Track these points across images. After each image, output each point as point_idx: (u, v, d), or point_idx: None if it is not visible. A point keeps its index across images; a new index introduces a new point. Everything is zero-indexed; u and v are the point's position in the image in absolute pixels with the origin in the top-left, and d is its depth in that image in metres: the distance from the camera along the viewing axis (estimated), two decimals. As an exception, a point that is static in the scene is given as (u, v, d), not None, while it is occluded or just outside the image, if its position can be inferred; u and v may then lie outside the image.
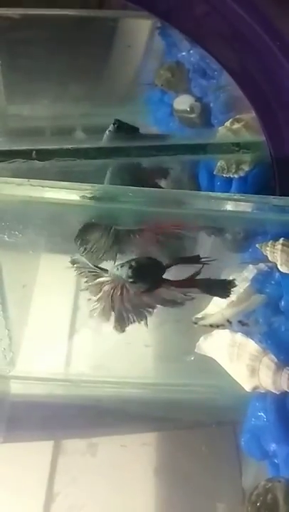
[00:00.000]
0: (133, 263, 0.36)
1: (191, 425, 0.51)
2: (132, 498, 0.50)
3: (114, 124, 0.43)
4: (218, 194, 0.40)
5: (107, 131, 0.43)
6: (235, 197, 0.38)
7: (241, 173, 0.43)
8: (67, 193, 0.35)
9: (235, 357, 0.40)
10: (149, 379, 0.51)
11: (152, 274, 0.37)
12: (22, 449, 0.51)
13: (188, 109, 0.52)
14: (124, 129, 0.43)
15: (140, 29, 0.60)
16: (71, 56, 0.58)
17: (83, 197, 0.36)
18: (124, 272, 0.36)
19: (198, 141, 0.43)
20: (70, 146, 0.40)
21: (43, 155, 0.39)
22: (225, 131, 0.44)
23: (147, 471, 0.52)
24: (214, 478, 0.51)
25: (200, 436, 0.53)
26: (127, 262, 0.37)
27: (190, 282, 0.38)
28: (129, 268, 0.36)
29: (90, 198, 0.35)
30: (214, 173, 0.47)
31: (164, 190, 0.42)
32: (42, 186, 0.35)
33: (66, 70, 0.58)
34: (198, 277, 0.39)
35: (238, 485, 0.49)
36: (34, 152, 0.39)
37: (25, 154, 0.38)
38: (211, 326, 0.42)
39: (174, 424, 0.52)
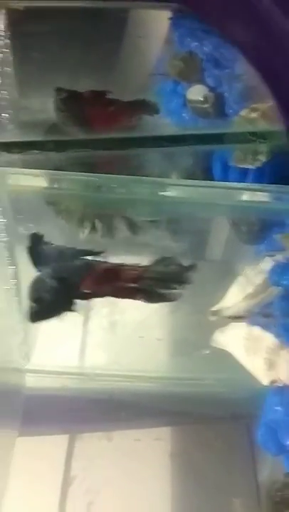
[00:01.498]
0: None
1: (205, 419, 0.51)
2: (146, 492, 0.50)
3: None
4: (235, 184, 0.40)
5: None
6: (252, 187, 0.38)
7: (258, 164, 0.43)
8: (83, 184, 0.35)
9: (252, 350, 0.39)
10: (162, 373, 0.51)
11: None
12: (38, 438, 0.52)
13: (201, 99, 0.51)
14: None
15: (152, 20, 0.60)
16: (83, 48, 0.58)
17: (98, 187, 0.36)
18: None
19: (215, 131, 0.42)
20: (85, 137, 0.39)
21: (58, 146, 0.39)
22: (241, 120, 0.43)
23: (161, 464, 0.52)
24: (228, 473, 0.51)
25: (214, 431, 0.52)
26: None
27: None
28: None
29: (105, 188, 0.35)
30: (231, 163, 0.46)
31: (179, 180, 0.42)
32: (58, 177, 0.35)
33: (78, 62, 0.58)
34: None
35: (253, 479, 0.49)
36: (50, 143, 0.38)
37: (41, 146, 0.38)
38: (229, 318, 0.41)
39: (187, 418, 0.52)
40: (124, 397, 0.52)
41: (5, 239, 0.38)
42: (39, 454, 0.50)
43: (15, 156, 0.38)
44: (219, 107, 0.50)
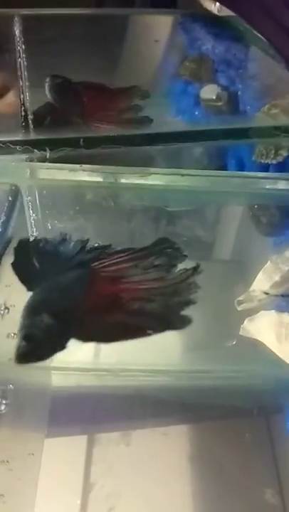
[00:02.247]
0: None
1: (232, 413, 0.51)
2: (167, 487, 0.50)
3: None
4: (256, 173, 0.41)
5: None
6: (272, 175, 0.39)
7: (280, 159, 0.44)
8: (119, 177, 0.36)
9: (284, 337, 0.40)
10: (187, 366, 0.51)
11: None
12: (56, 440, 0.51)
13: (214, 98, 0.53)
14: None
15: (161, 24, 0.62)
16: (94, 53, 0.59)
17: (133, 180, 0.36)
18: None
19: (238, 126, 0.43)
20: (116, 134, 0.40)
21: (89, 143, 0.39)
22: (263, 116, 0.44)
23: (182, 464, 0.52)
24: (253, 471, 0.50)
25: (239, 426, 0.52)
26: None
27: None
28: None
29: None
30: (248, 159, 0.47)
31: (203, 171, 0.43)
32: (94, 171, 0.36)
33: (89, 65, 0.59)
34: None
35: (276, 477, 0.49)
36: (82, 140, 0.39)
37: (73, 142, 0.39)
38: (257, 307, 0.42)
39: (213, 413, 0.52)
40: (149, 392, 0.51)
41: (35, 233, 0.38)
42: (59, 458, 0.50)
43: (45, 154, 0.39)
44: (233, 105, 0.52)
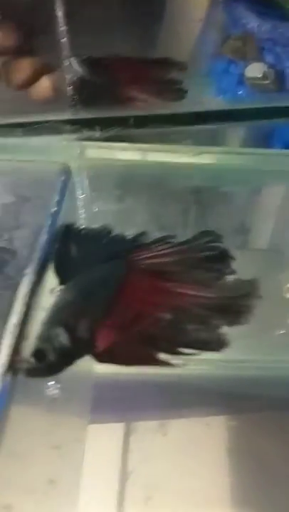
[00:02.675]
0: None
1: (274, 405, 0.50)
2: (204, 478, 0.49)
3: None
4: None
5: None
6: None
7: None
8: (173, 156, 0.34)
9: None
10: (231, 355, 0.50)
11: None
12: (94, 428, 0.50)
13: (260, 76, 0.51)
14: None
15: (202, 3, 0.59)
16: (135, 32, 0.57)
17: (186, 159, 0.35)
18: None
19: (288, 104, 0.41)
20: (167, 112, 0.39)
21: (140, 122, 0.38)
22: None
23: (221, 455, 0.50)
24: None
25: (280, 418, 0.51)
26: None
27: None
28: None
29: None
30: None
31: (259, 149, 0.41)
32: (145, 150, 0.34)
33: (130, 45, 0.57)
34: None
35: None
36: (132, 119, 0.38)
37: (123, 121, 0.37)
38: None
39: (255, 404, 0.50)
40: (190, 381, 0.50)
41: (83, 215, 0.37)
42: (96, 445, 0.49)
43: (95, 133, 0.37)
44: (281, 83, 0.50)
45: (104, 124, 0.38)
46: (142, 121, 0.39)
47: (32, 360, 0.29)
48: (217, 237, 0.34)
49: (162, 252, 0.33)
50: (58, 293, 0.31)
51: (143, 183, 0.36)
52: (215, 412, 0.52)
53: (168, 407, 0.52)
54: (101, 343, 0.31)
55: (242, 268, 0.37)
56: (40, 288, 0.30)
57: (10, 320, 0.29)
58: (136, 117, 0.38)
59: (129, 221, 0.38)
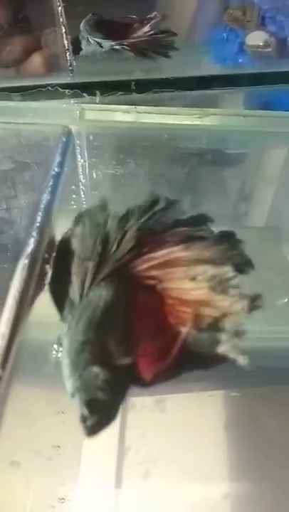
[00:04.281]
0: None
1: (274, 378, 0.49)
2: (202, 452, 0.49)
3: None
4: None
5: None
6: None
7: None
8: (176, 118, 0.34)
9: None
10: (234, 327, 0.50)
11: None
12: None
13: (261, 44, 0.50)
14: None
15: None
16: (133, 4, 0.56)
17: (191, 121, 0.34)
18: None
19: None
20: (169, 77, 0.38)
21: (141, 86, 0.37)
22: None
23: (219, 427, 0.51)
24: None
25: (279, 392, 0.51)
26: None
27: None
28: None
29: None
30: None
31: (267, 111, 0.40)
32: (148, 112, 0.34)
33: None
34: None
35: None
36: (133, 83, 0.37)
37: (124, 85, 0.37)
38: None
39: (253, 378, 0.50)
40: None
41: (83, 180, 0.36)
42: None
43: (96, 98, 0.37)
44: (283, 51, 0.50)
45: (104, 88, 0.37)
46: (143, 86, 0.38)
47: (88, 414, 0.26)
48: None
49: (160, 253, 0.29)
50: (65, 336, 0.27)
51: (144, 146, 0.36)
52: (213, 387, 0.52)
53: (166, 383, 0.52)
54: (147, 372, 0.28)
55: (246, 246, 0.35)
56: (40, 257, 0.29)
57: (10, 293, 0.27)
58: (136, 81, 0.38)
59: (130, 185, 0.38)
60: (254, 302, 0.32)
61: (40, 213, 0.30)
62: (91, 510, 0.43)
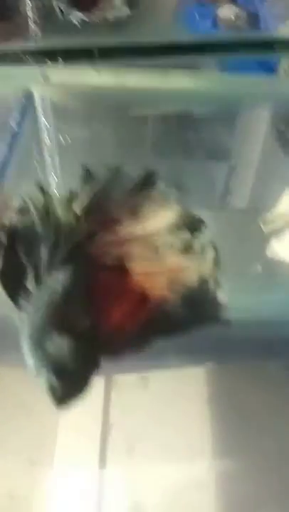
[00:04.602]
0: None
1: (260, 348, 0.48)
2: (185, 427, 0.49)
3: None
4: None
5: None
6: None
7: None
8: (139, 80, 0.33)
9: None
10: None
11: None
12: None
13: (233, 18, 0.50)
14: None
15: None
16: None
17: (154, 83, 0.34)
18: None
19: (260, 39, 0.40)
20: (131, 43, 0.37)
21: (103, 53, 0.36)
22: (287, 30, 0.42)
23: (201, 405, 0.50)
24: (274, 415, 0.48)
25: (259, 368, 0.50)
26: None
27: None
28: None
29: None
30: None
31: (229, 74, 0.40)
32: (111, 74, 0.33)
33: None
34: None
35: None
36: (96, 50, 0.36)
37: (86, 53, 0.36)
38: (284, 225, 0.39)
39: (241, 349, 0.49)
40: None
41: (48, 143, 0.35)
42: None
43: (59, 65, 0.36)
44: (254, 25, 0.50)
45: (67, 55, 0.37)
46: (107, 53, 0.37)
47: (56, 383, 0.24)
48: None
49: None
50: (24, 323, 0.25)
51: (108, 108, 0.35)
52: (194, 363, 0.51)
53: (148, 359, 0.51)
54: (115, 338, 0.26)
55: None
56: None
57: None
58: (100, 49, 0.37)
59: (94, 146, 0.37)
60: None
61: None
62: (76, 486, 0.43)
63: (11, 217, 0.27)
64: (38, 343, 0.25)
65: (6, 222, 0.27)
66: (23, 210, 0.27)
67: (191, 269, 0.29)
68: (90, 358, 0.26)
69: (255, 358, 0.48)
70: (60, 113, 0.35)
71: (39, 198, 0.27)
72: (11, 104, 0.33)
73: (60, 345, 0.25)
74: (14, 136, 0.30)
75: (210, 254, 0.29)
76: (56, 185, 0.35)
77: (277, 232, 0.41)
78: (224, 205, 0.39)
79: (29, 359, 0.25)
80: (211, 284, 0.29)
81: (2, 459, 0.39)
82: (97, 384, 0.52)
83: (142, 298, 0.27)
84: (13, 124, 0.31)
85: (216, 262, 0.30)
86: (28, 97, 0.34)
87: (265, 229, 0.42)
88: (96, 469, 0.47)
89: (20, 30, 0.39)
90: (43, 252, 0.26)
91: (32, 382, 0.25)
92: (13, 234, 0.26)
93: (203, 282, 0.29)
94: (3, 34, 0.40)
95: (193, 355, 0.49)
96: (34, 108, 0.34)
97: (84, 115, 0.35)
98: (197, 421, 0.51)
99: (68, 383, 0.25)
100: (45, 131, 0.34)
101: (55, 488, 0.44)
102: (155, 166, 0.33)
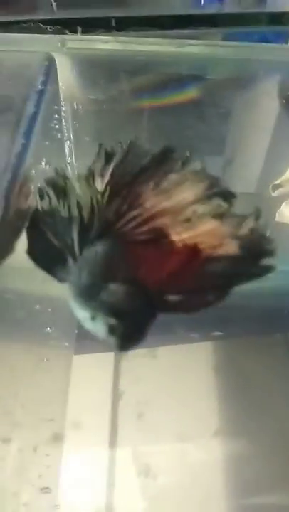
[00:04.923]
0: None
1: (265, 317, 0.50)
2: (193, 394, 0.50)
3: None
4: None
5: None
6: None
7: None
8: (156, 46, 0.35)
9: None
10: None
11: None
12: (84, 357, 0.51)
13: None
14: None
15: None
16: None
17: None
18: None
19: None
20: (149, 14, 0.39)
21: (121, 23, 0.38)
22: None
23: (208, 371, 0.51)
24: (280, 385, 0.50)
25: (265, 340, 0.52)
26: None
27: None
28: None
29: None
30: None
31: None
32: (128, 42, 0.35)
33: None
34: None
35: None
36: (113, 20, 0.38)
37: (104, 22, 0.37)
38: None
39: (246, 318, 0.50)
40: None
41: (64, 108, 0.36)
42: (86, 373, 0.49)
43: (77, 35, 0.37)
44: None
45: (85, 24, 0.38)
46: (124, 23, 0.39)
47: (116, 322, 0.24)
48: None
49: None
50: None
51: (126, 73, 0.37)
52: (203, 335, 0.52)
53: (157, 333, 0.52)
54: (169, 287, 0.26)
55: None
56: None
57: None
58: (117, 18, 0.38)
59: (112, 111, 0.38)
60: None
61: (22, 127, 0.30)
62: (87, 451, 0.44)
63: (30, 201, 0.27)
64: (91, 296, 0.25)
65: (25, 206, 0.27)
66: (41, 192, 0.27)
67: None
68: (146, 303, 0.26)
69: (260, 328, 0.49)
70: (80, 78, 0.36)
71: (57, 179, 0.27)
72: (33, 67, 0.34)
73: (115, 291, 0.25)
74: (40, 94, 0.32)
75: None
76: (75, 161, 0.37)
77: (286, 197, 0.42)
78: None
79: (81, 313, 0.25)
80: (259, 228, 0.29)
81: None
82: (105, 357, 0.53)
83: (193, 251, 0.27)
84: (37, 83, 0.32)
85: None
86: (50, 60, 0.35)
87: (274, 194, 0.43)
88: (107, 432, 0.47)
89: (40, 3, 0.40)
90: (74, 232, 0.26)
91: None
92: (36, 216, 0.27)
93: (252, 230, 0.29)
94: (25, 6, 0.42)
95: (201, 326, 0.50)
96: (55, 72, 0.35)
97: (104, 79, 0.37)
98: (204, 387, 0.52)
99: (127, 322, 0.25)
100: (63, 101, 0.35)
101: (67, 449, 0.45)
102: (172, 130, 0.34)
